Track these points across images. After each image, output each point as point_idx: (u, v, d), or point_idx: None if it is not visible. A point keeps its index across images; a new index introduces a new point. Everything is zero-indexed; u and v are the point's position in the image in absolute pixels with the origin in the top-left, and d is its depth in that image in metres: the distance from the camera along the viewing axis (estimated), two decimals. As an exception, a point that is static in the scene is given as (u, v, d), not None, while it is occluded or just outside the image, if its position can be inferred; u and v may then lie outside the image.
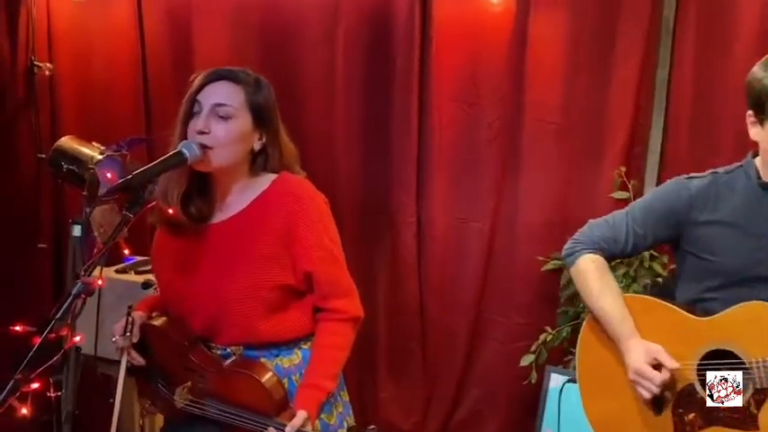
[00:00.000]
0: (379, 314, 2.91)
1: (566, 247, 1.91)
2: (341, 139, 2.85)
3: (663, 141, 2.63)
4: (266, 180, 1.65)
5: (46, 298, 3.09)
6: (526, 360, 2.58)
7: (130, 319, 1.62)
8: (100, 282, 1.34)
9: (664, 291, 2.01)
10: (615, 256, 1.89)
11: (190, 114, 1.59)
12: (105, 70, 3.11)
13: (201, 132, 1.55)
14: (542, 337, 2.57)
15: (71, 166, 2.37)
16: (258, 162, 1.65)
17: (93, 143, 2.44)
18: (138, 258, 2.55)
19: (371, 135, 2.81)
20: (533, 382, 2.54)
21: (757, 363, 1.62)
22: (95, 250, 1.37)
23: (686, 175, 1.83)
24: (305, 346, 1.67)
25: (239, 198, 1.64)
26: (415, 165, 2.72)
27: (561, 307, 2.63)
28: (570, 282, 2.55)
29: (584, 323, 1.89)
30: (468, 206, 2.77)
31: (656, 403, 1.72)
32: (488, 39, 2.70)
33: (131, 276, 2.41)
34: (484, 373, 2.83)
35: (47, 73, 3.06)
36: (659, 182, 2.53)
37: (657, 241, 1.89)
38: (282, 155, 1.66)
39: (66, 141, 2.45)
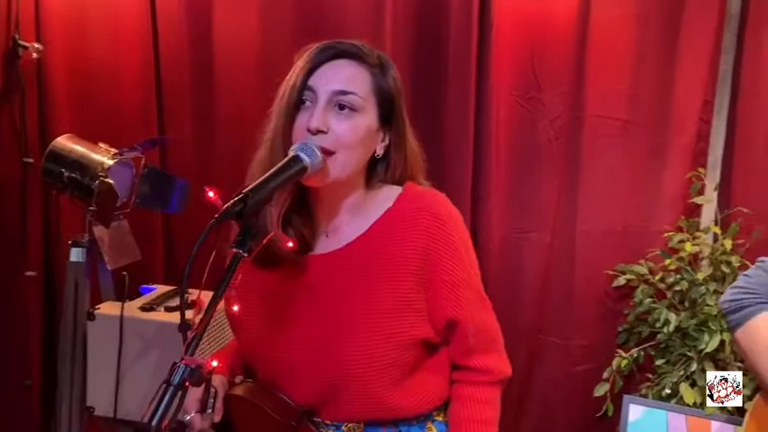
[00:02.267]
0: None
1: (725, 298, 1.53)
2: None
3: (726, 140, 2.40)
4: (388, 195, 1.25)
5: (34, 337, 2.58)
6: (600, 390, 2.31)
7: (212, 389, 1.22)
8: (215, 363, 0.99)
9: None
10: None
11: (296, 105, 1.18)
12: (107, 52, 2.54)
13: (318, 131, 1.15)
14: (616, 362, 2.30)
15: (73, 174, 1.94)
16: (378, 171, 1.26)
17: (101, 144, 2.06)
18: (161, 288, 2.15)
19: (422, 137, 2.46)
20: (610, 414, 2.27)
21: None
22: (197, 305, 1.00)
23: None
24: (439, 418, 1.30)
25: (353, 220, 1.24)
26: (471, 170, 2.39)
27: (626, 325, 2.38)
28: (643, 300, 2.31)
29: (757, 399, 1.53)
30: (528, 216, 2.46)
31: None
32: (550, 28, 2.40)
33: (161, 315, 1.93)
34: (543, 398, 2.54)
35: (34, 55, 2.44)
36: (723, 184, 2.32)
37: None
38: (407, 162, 1.27)
39: (65, 142, 2.02)
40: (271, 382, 1.26)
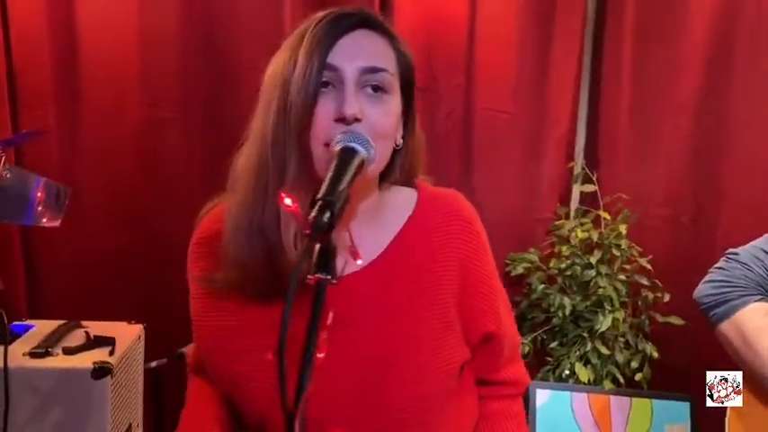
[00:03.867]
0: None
1: (705, 292, 1.54)
2: None
3: (588, 133, 2.58)
4: (405, 198, 1.09)
5: None
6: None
7: None
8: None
9: None
10: None
11: (317, 89, 0.95)
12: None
13: (356, 119, 0.94)
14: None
15: None
16: (393, 168, 1.07)
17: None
18: (40, 324, 1.78)
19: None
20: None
21: None
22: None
23: None
24: None
25: (370, 231, 1.05)
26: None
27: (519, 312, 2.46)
28: (538, 287, 2.40)
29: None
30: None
31: None
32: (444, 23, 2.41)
33: (60, 360, 1.57)
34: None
35: None
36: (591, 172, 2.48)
37: None
38: (416, 154, 1.10)
39: None
40: None
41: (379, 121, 0.97)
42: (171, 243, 2.26)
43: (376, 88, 0.98)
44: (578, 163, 2.56)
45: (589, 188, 2.46)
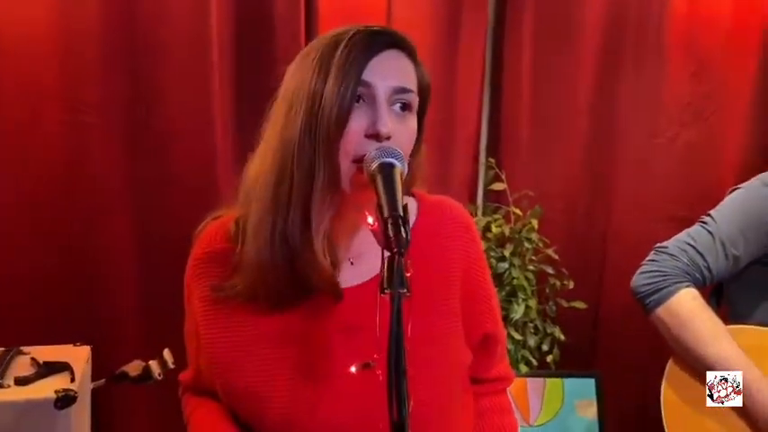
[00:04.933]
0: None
1: (641, 282, 1.68)
2: (222, 162, 2.25)
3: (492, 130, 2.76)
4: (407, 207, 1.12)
5: None
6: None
7: None
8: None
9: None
10: (704, 287, 1.69)
11: (352, 104, 0.98)
12: None
13: (388, 137, 0.98)
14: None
15: None
16: None
17: None
18: None
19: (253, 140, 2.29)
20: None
21: None
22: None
23: (763, 181, 1.67)
24: None
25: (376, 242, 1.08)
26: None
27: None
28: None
29: (671, 364, 1.71)
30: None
31: None
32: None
33: (13, 392, 1.47)
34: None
35: None
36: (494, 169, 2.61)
37: (750, 262, 1.69)
38: (419, 168, 1.14)
39: None
40: None
41: (404, 140, 1.02)
42: (96, 258, 2.17)
43: (403, 107, 1.03)
44: (482, 161, 2.71)
45: (499, 186, 2.63)
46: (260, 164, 1.04)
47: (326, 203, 1.00)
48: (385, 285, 0.81)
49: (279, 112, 1.03)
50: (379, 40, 1.01)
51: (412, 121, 1.04)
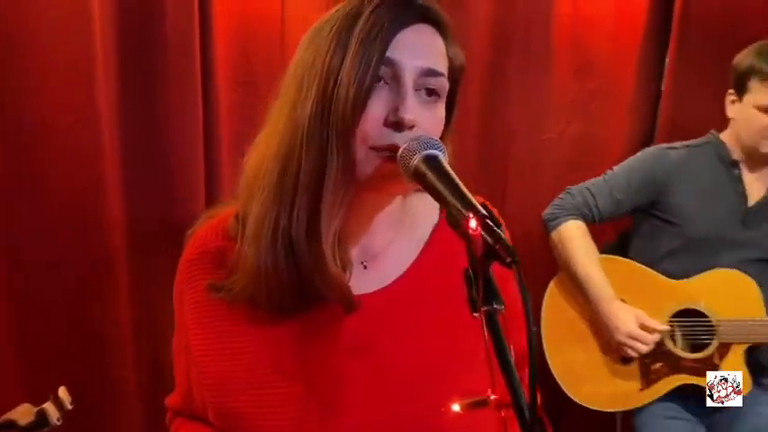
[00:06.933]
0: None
1: (546, 212, 2.07)
2: (108, 152, 2.08)
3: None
4: (427, 204, 0.97)
5: None
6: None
7: None
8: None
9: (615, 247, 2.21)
10: (594, 222, 2.04)
11: (372, 83, 0.85)
12: None
13: (412, 126, 0.85)
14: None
15: None
16: None
17: None
18: None
19: (146, 140, 2.16)
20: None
21: (725, 321, 1.95)
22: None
23: (665, 145, 2.05)
24: None
25: (394, 241, 0.97)
26: (203, 168, 2.19)
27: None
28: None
29: (552, 284, 2.07)
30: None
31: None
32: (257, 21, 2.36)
33: None
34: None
35: None
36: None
37: (634, 207, 2.07)
38: None
39: None
40: None
41: (431, 129, 0.89)
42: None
43: (431, 92, 0.89)
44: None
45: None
46: (264, 150, 0.91)
47: (339, 198, 0.86)
48: (481, 302, 0.72)
49: (288, 92, 0.90)
50: (408, 12, 0.87)
51: (440, 110, 0.91)
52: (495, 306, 0.72)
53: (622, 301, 1.98)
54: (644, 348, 1.93)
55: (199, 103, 2.14)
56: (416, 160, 0.82)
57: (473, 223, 0.72)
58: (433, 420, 0.90)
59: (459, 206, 0.75)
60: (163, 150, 2.14)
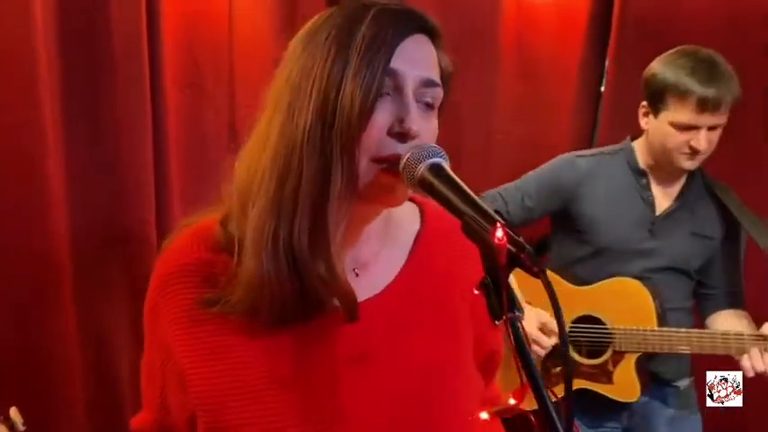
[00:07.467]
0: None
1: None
2: (52, 156, 1.97)
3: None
4: (408, 211, 1.01)
5: None
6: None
7: None
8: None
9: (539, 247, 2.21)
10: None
11: (377, 93, 0.84)
12: None
13: (415, 135, 0.86)
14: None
15: None
16: None
17: None
18: None
19: (92, 144, 2.06)
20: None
21: (620, 330, 1.97)
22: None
23: (575, 153, 2.03)
24: None
25: (381, 249, 0.97)
26: (152, 173, 2.11)
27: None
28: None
29: None
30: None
31: None
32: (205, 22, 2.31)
33: None
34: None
35: None
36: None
37: (545, 214, 2.07)
38: None
39: None
40: None
41: (430, 140, 0.89)
42: None
43: (428, 104, 0.90)
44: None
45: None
46: (256, 159, 0.88)
47: (343, 207, 0.85)
48: (504, 311, 0.73)
49: (280, 100, 0.87)
50: (409, 23, 0.88)
51: (435, 121, 0.92)
52: (516, 313, 0.74)
53: (528, 303, 1.93)
54: (541, 351, 1.93)
55: (147, 106, 2.07)
56: (422, 169, 0.83)
57: (499, 233, 0.73)
58: (434, 427, 0.93)
59: (478, 217, 0.77)
60: (110, 154, 2.06)
